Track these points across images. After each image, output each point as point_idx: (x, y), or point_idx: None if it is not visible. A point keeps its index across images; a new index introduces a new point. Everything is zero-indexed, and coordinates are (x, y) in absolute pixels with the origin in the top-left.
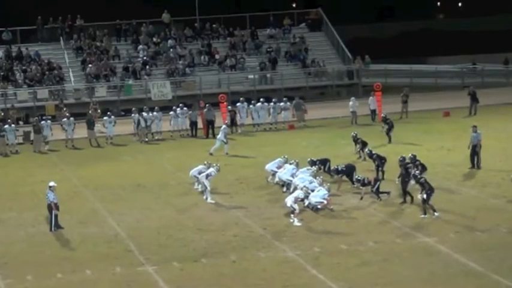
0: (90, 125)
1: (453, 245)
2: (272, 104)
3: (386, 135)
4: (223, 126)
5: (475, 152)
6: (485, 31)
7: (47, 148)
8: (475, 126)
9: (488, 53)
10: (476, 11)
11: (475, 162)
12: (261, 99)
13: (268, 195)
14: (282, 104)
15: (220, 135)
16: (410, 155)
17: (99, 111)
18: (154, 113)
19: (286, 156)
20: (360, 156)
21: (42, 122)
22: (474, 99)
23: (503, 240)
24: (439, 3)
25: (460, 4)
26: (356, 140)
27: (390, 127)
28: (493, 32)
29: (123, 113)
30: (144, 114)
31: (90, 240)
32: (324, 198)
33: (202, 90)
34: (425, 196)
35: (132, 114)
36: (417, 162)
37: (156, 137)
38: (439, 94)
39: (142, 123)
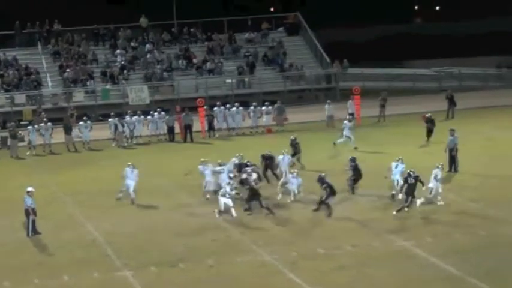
0: (68, 130)
1: (430, 248)
2: (252, 108)
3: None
4: (345, 121)
5: (452, 155)
6: (463, 35)
7: (28, 153)
8: (452, 130)
9: (466, 56)
10: (453, 15)
11: (453, 165)
12: (236, 104)
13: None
14: (264, 108)
15: (345, 131)
16: (350, 156)
17: (74, 116)
18: (141, 117)
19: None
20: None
21: (29, 127)
22: (452, 102)
23: (480, 243)
24: (416, 7)
25: (437, 8)
26: (294, 145)
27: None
28: (471, 35)
29: (100, 118)
30: (127, 118)
31: (68, 246)
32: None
33: (180, 95)
34: (324, 197)
35: (110, 119)
36: (353, 164)
37: (135, 142)
38: (417, 98)
39: (120, 128)
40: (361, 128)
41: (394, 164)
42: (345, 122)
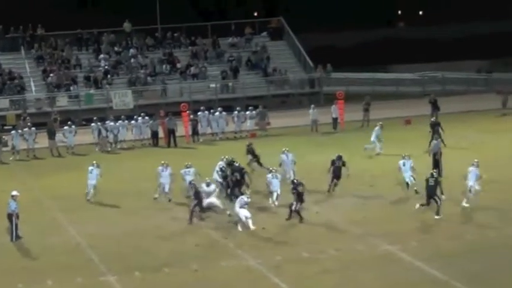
0: (51, 135)
1: (415, 252)
2: (236, 112)
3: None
4: (377, 127)
5: (435, 159)
6: (446, 39)
7: (12, 158)
8: (436, 134)
9: (449, 60)
10: (437, 19)
11: (437, 170)
12: (219, 109)
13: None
14: (247, 112)
15: (372, 137)
16: (336, 154)
17: (58, 120)
18: (124, 122)
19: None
20: (253, 169)
21: (13, 131)
22: (435, 107)
23: (465, 247)
24: (400, 12)
25: (420, 12)
26: (250, 151)
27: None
28: (454, 40)
29: (84, 123)
30: (111, 123)
31: (51, 250)
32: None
33: (164, 99)
34: (294, 206)
35: (92, 124)
36: (332, 160)
37: (119, 146)
38: (401, 102)
39: (104, 133)
40: (345, 132)
41: (401, 162)
42: (377, 128)
